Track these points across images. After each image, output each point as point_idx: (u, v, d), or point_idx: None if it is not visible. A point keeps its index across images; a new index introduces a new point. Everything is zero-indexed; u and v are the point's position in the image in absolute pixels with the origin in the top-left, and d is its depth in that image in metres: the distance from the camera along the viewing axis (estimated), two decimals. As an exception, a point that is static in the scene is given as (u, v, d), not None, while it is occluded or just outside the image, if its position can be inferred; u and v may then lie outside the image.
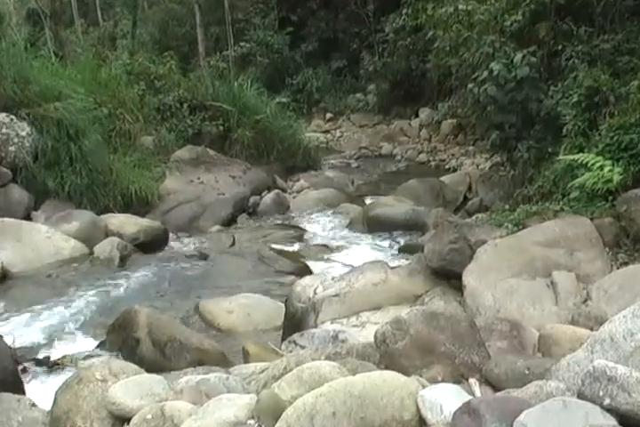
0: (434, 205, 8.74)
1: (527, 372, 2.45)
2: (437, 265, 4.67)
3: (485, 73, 7.50)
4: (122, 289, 6.07)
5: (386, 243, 7.71)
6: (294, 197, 10.29)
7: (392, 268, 4.93)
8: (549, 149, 7.00)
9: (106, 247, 6.87)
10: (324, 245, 7.70)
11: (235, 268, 6.77)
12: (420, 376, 2.49)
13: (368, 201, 9.71)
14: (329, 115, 16.78)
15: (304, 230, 8.46)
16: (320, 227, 8.69)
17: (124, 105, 9.70)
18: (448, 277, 4.63)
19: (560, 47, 7.68)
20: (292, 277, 6.14)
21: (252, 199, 9.72)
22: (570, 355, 2.32)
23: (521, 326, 3.14)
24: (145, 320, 4.40)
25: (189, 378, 2.71)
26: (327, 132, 16.47)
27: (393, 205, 8.55)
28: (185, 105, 10.87)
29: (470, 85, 7.86)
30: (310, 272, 6.35)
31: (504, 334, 3.03)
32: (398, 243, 7.64)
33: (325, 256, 7.26)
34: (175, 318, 5.13)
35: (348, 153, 14.74)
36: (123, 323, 4.55)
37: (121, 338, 4.49)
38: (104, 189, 8.19)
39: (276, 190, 10.04)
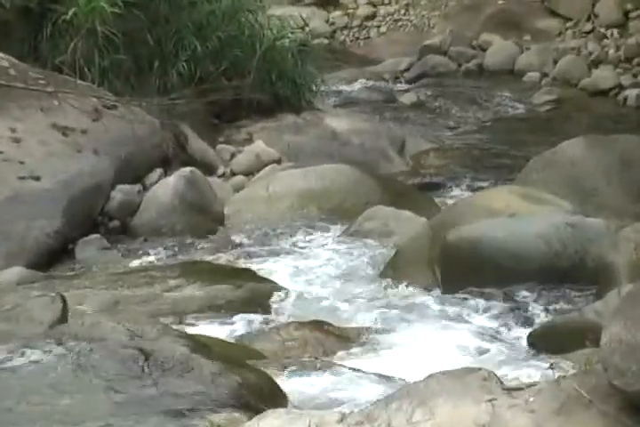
0: (631, 212, 8.87)
1: None
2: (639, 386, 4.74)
3: None
4: None
5: (490, 319, 7.94)
6: (237, 190, 10.48)
7: (510, 390, 5.01)
8: None
9: None
10: (320, 324, 7.88)
11: (67, 389, 6.78)
12: None
13: (444, 200, 9.92)
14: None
15: (267, 282, 8.70)
16: (310, 273, 8.95)
17: None
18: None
19: None
20: (234, 416, 6.18)
21: (120, 193, 10.02)
22: None
23: None
24: None
25: None
26: (333, 4, 16.69)
27: (515, 213, 8.74)
28: None
29: None
30: (283, 400, 6.44)
31: None
32: (527, 319, 7.85)
33: (325, 355, 7.39)
34: None
35: (391, 64, 15.04)
36: None
37: None
38: None
39: (188, 169, 10.27)
